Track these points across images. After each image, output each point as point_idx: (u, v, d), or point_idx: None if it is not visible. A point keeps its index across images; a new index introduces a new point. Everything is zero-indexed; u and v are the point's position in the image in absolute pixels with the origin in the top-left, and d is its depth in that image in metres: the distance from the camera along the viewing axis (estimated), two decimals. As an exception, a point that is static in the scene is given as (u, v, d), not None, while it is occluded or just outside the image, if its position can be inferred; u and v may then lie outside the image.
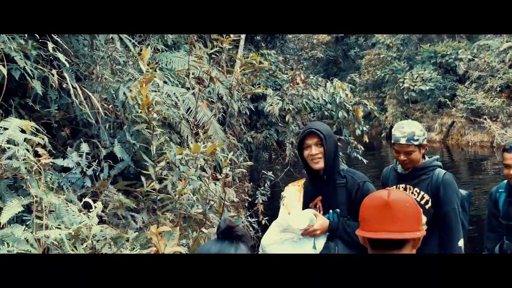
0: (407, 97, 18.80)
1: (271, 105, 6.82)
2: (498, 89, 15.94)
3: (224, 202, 3.03)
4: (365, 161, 7.00)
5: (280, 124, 7.34)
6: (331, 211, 2.22)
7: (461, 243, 2.48)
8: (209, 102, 5.23)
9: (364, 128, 7.06)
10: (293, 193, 2.32)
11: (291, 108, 6.88)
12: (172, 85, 4.48)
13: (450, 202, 2.48)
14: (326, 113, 7.16)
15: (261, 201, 5.30)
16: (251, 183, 6.08)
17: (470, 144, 16.24)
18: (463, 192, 2.65)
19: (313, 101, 7.04)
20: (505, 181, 2.97)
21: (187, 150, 3.02)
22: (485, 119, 15.66)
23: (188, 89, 4.71)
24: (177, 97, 4.08)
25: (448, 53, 18.14)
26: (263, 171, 5.81)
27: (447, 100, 17.82)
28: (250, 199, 5.43)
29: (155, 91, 3.64)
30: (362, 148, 7.03)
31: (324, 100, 7.04)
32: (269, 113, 6.97)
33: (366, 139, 7.02)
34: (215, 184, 3.42)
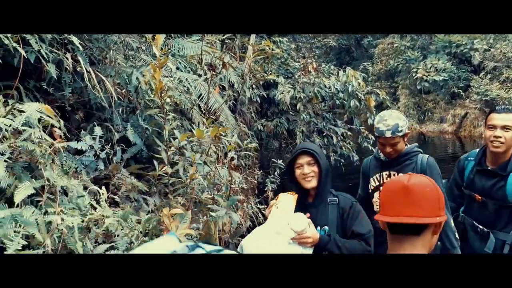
0: (420, 87, 18.52)
1: (282, 93, 6.79)
2: (513, 80, 15.67)
3: (231, 186, 3.05)
4: (375, 151, 6.95)
5: (291, 112, 7.32)
6: (319, 227, 2.22)
7: (451, 222, 2.48)
8: (220, 89, 5.23)
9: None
10: (288, 199, 2.27)
11: (302, 97, 6.84)
12: (184, 71, 4.49)
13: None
14: (337, 102, 7.11)
15: (270, 189, 5.33)
16: (261, 171, 6.10)
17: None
18: None
19: (325, 89, 6.99)
20: (476, 150, 2.89)
21: (192, 135, 3.01)
22: (499, 110, 15.37)
23: (199, 75, 4.72)
24: (189, 83, 4.10)
25: (464, 43, 17.75)
26: (273, 159, 5.82)
27: (460, 91, 17.53)
28: (259, 186, 5.45)
29: (168, 76, 3.65)
30: (373, 138, 6.99)
31: (336, 88, 6.98)
32: (280, 101, 6.94)
33: (377, 128, 6.95)
34: (222, 169, 3.43)
